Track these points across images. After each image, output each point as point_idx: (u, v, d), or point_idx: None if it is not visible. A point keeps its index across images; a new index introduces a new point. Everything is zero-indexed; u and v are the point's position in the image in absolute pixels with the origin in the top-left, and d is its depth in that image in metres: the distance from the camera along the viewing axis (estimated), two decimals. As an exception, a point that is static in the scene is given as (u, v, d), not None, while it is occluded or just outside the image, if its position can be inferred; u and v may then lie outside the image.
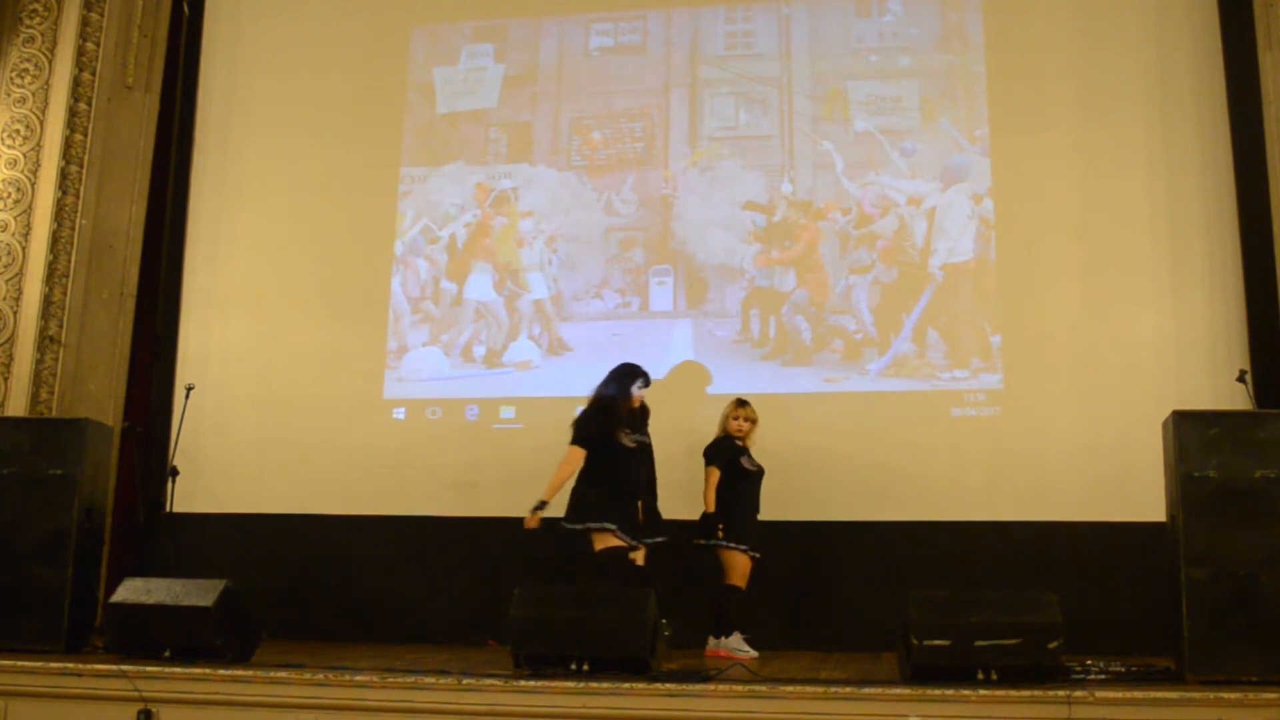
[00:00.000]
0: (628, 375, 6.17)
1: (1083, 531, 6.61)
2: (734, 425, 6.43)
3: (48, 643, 5.47)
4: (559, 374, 7.42)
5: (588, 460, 5.98)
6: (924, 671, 4.62)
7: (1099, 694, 4.35)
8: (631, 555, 5.96)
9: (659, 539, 6.11)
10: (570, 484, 6.00)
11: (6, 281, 7.22)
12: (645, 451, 6.17)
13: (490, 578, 6.73)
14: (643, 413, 6.27)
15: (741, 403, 6.51)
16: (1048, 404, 6.87)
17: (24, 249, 7.25)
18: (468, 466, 7.28)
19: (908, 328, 7.13)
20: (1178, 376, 6.71)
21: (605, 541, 5.85)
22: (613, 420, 6.02)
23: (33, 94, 7.46)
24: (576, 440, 6.01)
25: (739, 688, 4.57)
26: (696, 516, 6.30)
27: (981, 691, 4.42)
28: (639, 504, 6.04)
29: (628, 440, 6.01)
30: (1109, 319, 6.92)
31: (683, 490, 6.42)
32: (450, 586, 6.90)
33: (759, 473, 6.41)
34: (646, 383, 6.19)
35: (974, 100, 7.34)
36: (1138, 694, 4.38)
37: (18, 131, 7.41)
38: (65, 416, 6.89)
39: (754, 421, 6.45)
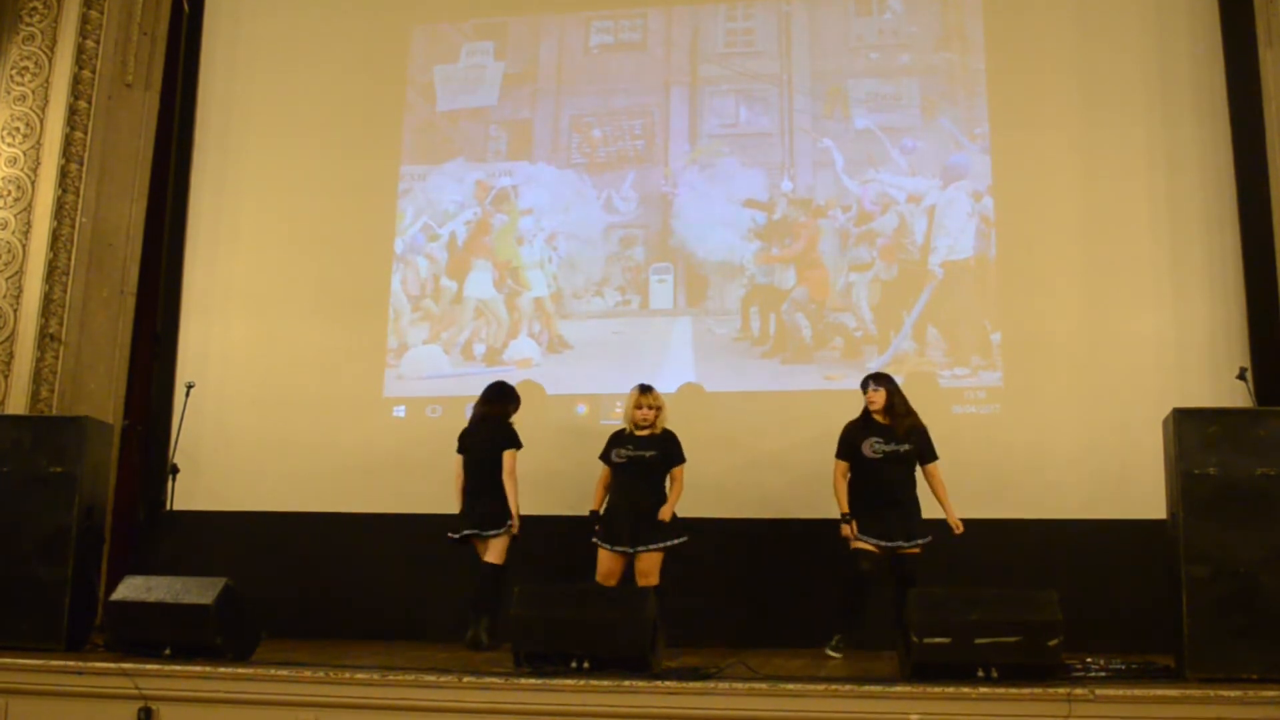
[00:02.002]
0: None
1: (1083, 530, 6.60)
2: (636, 415, 6.29)
3: (48, 641, 5.46)
4: (559, 372, 7.42)
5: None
6: (924, 669, 4.63)
7: (1099, 691, 4.35)
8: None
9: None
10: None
11: (7, 279, 7.21)
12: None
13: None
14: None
15: (642, 389, 6.33)
16: (1048, 402, 6.87)
17: (24, 247, 7.25)
18: (468, 465, 7.28)
19: (908, 325, 7.13)
20: (1178, 375, 6.71)
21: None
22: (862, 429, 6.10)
23: (33, 92, 7.46)
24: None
25: (739, 686, 4.57)
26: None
27: (982, 689, 4.43)
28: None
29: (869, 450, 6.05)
30: (1109, 318, 6.91)
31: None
32: (450, 585, 6.88)
33: (623, 463, 6.21)
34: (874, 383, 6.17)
35: (974, 98, 7.34)
36: (1138, 692, 4.38)
37: (17, 129, 7.40)
38: (65, 415, 6.89)
39: (654, 409, 6.25)
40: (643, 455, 6.19)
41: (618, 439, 6.31)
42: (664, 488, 6.21)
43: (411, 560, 7.02)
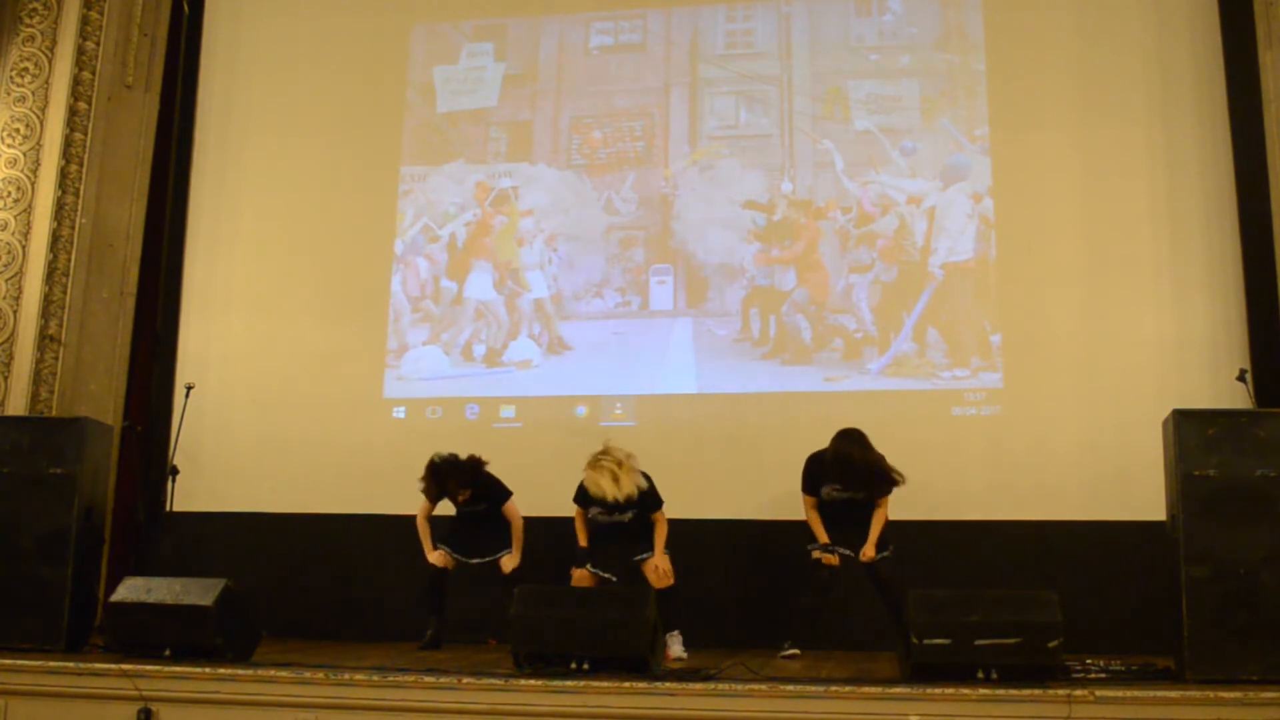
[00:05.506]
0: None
1: (1083, 531, 6.60)
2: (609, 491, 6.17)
3: (48, 642, 5.47)
4: (559, 373, 7.42)
5: None
6: (924, 670, 4.63)
7: (1099, 693, 4.35)
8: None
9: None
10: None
11: (6, 280, 7.21)
12: None
13: (490, 577, 6.71)
14: None
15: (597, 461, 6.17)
16: (1048, 403, 6.87)
17: (24, 248, 7.25)
18: (468, 466, 7.27)
19: (908, 327, 7.13)
20: (1178, 376, 6.70)
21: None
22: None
23: (33, 93, 7.46)
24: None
25: (739, 687, 4.57)
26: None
27: (981, 690, 4.43)
28: None
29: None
30: (1109, 318, 6.91)
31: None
32: (452, 586, 6.89)
33: (603, 524, 6.21)
34: None
35: (974, 99, 7.34)
36: (1138, 693, 4.38)
37: (18, 130, 7.41)
38: (65, 416, 6.90)
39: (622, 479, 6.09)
40: (621, 520, 6.12)
41: (587, 496, 6.15)
42: (648, 533, 6.17)
43: (411, 561, 7.01)
